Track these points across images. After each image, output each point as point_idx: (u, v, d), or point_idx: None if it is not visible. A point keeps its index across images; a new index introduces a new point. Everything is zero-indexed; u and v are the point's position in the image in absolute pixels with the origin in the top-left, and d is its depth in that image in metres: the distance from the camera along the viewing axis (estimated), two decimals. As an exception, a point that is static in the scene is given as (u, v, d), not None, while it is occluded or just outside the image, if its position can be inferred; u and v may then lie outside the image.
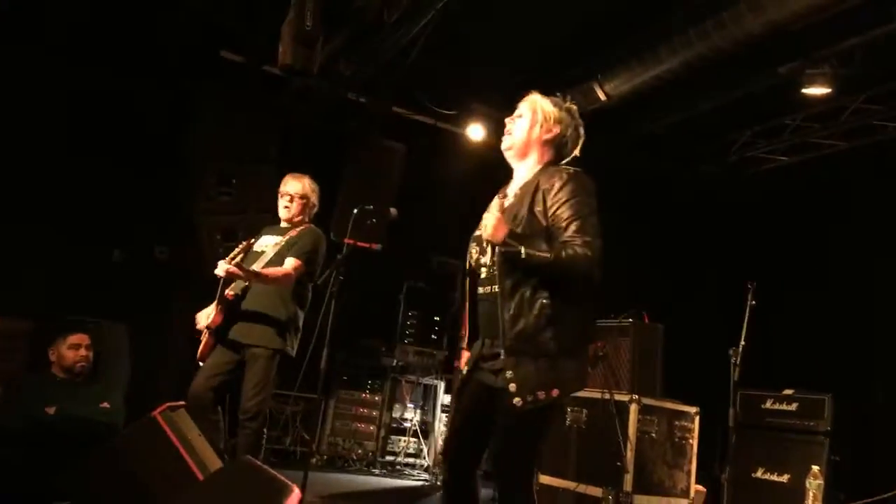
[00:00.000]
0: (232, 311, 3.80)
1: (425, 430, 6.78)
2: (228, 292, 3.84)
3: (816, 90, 5.24)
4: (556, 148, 2.58)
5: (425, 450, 6.72)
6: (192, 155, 5.63)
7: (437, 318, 6.50)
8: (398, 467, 6.59)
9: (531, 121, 2.57)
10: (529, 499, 2.32)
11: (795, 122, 6.29)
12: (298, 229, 3.99)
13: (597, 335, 4.99)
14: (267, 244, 3.96)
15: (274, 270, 3.77)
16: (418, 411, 6.80)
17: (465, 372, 2.52)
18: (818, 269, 6.27)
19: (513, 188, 2.57)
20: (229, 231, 5.45)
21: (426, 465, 6.63)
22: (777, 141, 6.49)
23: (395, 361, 6.64)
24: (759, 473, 5.11)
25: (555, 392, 2.25)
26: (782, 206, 6.89)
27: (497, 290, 2.36)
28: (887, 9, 4.35)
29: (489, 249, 2.46)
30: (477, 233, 2.54)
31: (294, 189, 4.02)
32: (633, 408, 4.55)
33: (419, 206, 5.94)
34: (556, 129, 2.56)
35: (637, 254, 6.46)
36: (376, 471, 6.38)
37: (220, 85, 5.70)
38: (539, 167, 2.55)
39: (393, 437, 6.66)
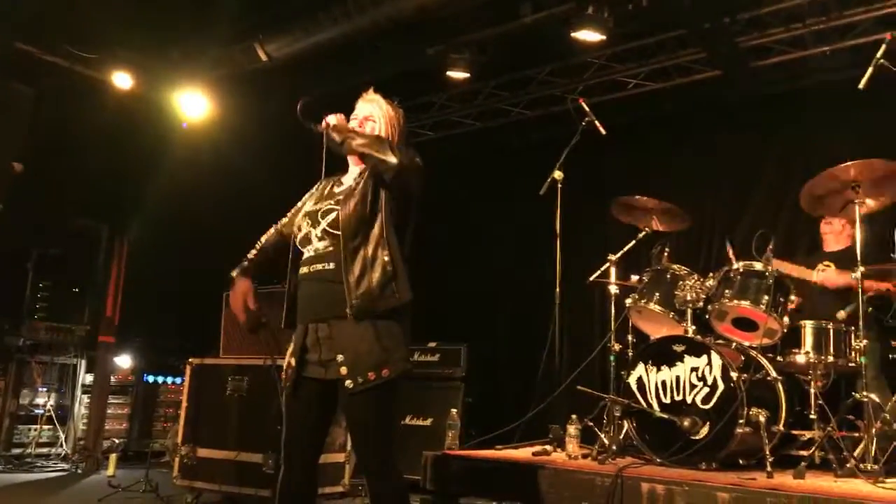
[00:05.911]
0: None
1: (63, 415, 6.06)
2: None
3: (458, 73, 5.80)
4: None
5: (62, 437, 6.01)
6: None
7: (76, 290, 5.80)
8: (28, 460, 5.79)
9: (385, 131, 2.53)
10: (392, 479, 2.36)
11: (440, 101, 6.91)
12: None
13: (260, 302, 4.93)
14: None
15: None
16: (53, 395, 6.04)
17: (293, 369, 2.45)
18: (456, 235, 6.99)
19: (347, 180, 2.56)
20: None
21: (63, 453, 5.95)
22: (425, 117, 7.04)
23: (21, 340, 5.82)
24: (407, 420, 5.60)
25: (385, 372, 2.32)
26: (429, 177, 7.52)
27: (329, 267, 2.38)
28: (517, 6, 4.99)
29: (322, 220, 2.42)
30: (308, 207, 2.50)
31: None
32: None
33: (54, 161, 5.18)
34: (396, 139, 2.55)
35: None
36: (-1, 467, 5.55)
37: None
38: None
39: (21, 426, 5.84)
